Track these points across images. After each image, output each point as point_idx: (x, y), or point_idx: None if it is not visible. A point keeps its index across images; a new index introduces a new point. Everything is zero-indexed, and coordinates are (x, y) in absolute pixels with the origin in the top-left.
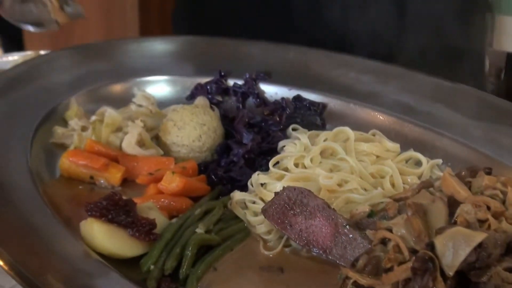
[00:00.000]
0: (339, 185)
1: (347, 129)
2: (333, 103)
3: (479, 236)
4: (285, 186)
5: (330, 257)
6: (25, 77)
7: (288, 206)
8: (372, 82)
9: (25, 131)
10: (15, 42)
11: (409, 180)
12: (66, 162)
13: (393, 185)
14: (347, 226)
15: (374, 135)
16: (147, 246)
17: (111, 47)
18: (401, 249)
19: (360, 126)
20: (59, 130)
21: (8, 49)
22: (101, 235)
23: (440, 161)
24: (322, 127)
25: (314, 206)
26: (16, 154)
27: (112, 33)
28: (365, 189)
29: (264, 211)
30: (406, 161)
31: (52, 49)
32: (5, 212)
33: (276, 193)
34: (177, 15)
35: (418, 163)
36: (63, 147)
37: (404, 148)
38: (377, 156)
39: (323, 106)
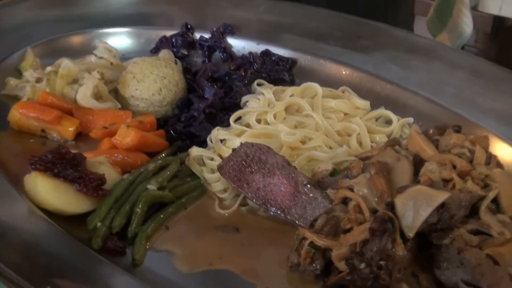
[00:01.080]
0: (303, 142)
1: (315, 85)
2: (303, 58)
3: (442, 196)
4: (243, 142)
5: (289, 217)
6: None
7: (245, 163)
8: (345, 37)
9: None
10: None
11: (377, 139)
12: (16, 114)
13: (360, 143)
14: (308, 185)
15: (344, 92)
16: (95, 202)
17: None
18: (362, 209)
19: (330, 82)
20: (12, 81)
21: None
22: (45, 190)
23: (411, 119)
24: (291, 83)
25: (273, 164)
26: None
27: None
28: (330, 147)
29: (219, 168)
30: (376, 119)
31: None
32: None
33: (234, 150)
34: None
35: (389, 122)
36: (16, 99)
37: (375, 106)
38: (345, 114)
39: (293, 61)
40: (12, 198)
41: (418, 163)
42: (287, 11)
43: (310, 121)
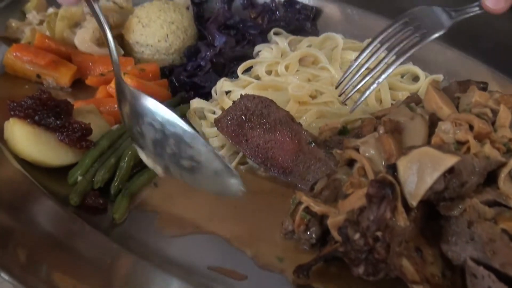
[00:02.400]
0: (313, 96)
1: (335, 36)
2: (329, 7)
3: (450, 160)
4: (244, 94)
5: (289, 179)
6: None
7: (245, 117)
8: None
9: None
10: None
11: (400, 96)
12: (11, 58)
13: (380, 101)
14: (312, 144)
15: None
16: (79, 154)
17: None
18: (367, 172)
19: (357, 35)
20: (13, 23)
21: None
22: (24, 138)
23: (440, 76)
24: (314, 34)
25: (275, 119)
26: None
27: None
28: (345, 104)
29: (216, 122)
30: (402, 76)
31: None
32: None
33: (234, 102)
34: None
35: (416, 78)
36: (17, 42)
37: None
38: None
39: (317, 10)
40: None
41: (434, 122)
42: None
43: (325, 74)
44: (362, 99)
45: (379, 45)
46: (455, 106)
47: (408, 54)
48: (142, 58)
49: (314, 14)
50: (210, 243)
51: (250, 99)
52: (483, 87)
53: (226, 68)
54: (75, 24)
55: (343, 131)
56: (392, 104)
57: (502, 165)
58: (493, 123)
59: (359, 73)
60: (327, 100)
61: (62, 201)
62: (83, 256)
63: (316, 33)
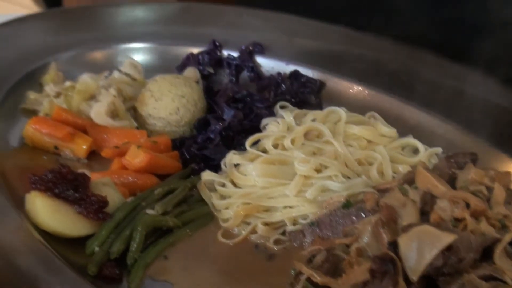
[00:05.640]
0: (318, 170)
1: (339, 110)
2: (332, 81)
3: (448, 238)
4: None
5: None
6: (5, 38)
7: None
8: (378, 60)
9: None
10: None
11: (401, 169)
12: (30, 130)
13: (382, 174)
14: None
15: (370, 117)
16: (96, 226)
17: (100, 11)
18: (364, 255)
19: (358, 107)
20: (32, 95)
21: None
22: (44, 210)
23: (439, 149)
24: (317, 106)
25: None
26: None
27: None
28: (348, 177)
29: None
30: (403, 148)
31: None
32: None
33: None
34: None
35: (416, 151)
36: (35, 114)
37: (403, 133)
38: (369, 141)
39: (321, 83)
40: (10, 217)
41: (427, 201)
42: (318, 30)
43: (329, 148)
44: None
45: None
46: (447, 182)
47: None
48: (154, 130)
49: (318, 87)
50: None
51: None
52: (473, 158)
53: (235, 140)
54: (91, 97)
55: (347, 205)
56: (393, 177)
57: (497, 241)
58: (488, 200)
59: None
60: (331, 174)
61: (80, 270)
62: None
63: (320, 105)
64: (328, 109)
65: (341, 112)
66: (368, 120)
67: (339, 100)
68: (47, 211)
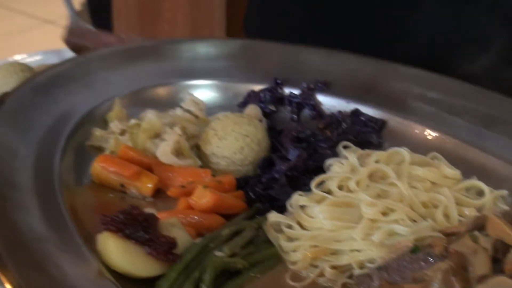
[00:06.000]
0: (384, 213)
1: (402, 151)
2: (393, 120)
3: None
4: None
5: None
6: (70, 74)
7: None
8: (440, 100)
9: (63, 130)
10: (105, 24)
11: (467, 212)
12: (98, 168)
13: (447, 216)
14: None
15: (433, 159)
16: (165, 267)
17: (162, 47)
18: None
19: (420, 148)
20: (97, 132)
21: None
22: (116, 251)
23: (505, 192)
24: (379, 146)
25: None
26: (48, 154)
27: (198, 31)
28: (414, 220)
29: None
30: (467, 191)
31: (139, 35)
32: (17, 220)
33: None
34: (249, 20)
35: (481, 193)
36: (100, 150)
37: (466, 175)
38: (433, 183)
39: (382, 123)
40: (82, 256)
41: (499, 248)
42: (379, 69)
43: (394, 190)
44: None
45: None
46: None
47: None
48: (218, 168)
49: (380, 126)
50: None
51: None
52: None
53: (300, 180)
54: (156, 135)
55: (415, 249)
56: (459, 220)
57: None
58: None
59: None
60: (397, 218)
61: None
62: None
63: (381, 145)
64: (391, 150)
65: (405, 153)
66: (432, 162)
67: (401, 140)
68: (119, 252)
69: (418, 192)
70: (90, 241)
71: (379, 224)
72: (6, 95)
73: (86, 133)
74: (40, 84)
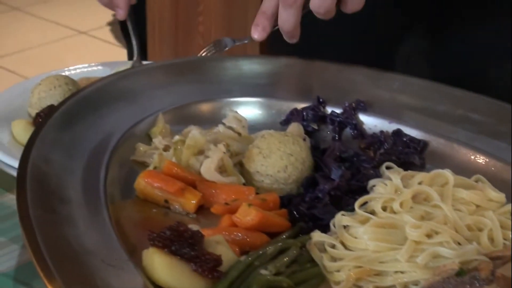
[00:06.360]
0: (428, 235)
1: (446, 173)
2: (436, 142)
3: None
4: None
5: None
6: (113, 89)
7: None
8: (483, 122)
9: (107, 145)
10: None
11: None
12: (142, 183)
13: (492, 240)
14: None
15: (477, 181)
16: (210, 284)
17: (206, 63)
18: None
19: (463, 170)
20: (141, 147)
21: (132, 57)
22: (162, 267)
23: None
24: (421, 167)
25: None
26: (94, 169)
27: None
28: (459, 243)
29: None
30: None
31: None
32: (65, 233)
33: None
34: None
35: None
36: (144, 166)
37: (510, 198)
38: (477, 206)
39: (424, 144)
40: (128, 271)
41: None
42: (422, 89)
43: (438, 212)
44: None
45: None
46: None
47: None
48: (261, 186)
49: (422, 147)
50: None
51: None
52: None
53: (343, 200)
54: (199, 152)
55: (461, 273)
56: (504, 243)
57: None
58: None
59: None
60: (442, 240)
61: None
62: None
63: (423, 166)
64: (434, 172)
65: (449, 175)
66: (476, 184)
67: (443, 161)
68: (165, 268)
69: (462, 215)
70: (134, 256)
71: (423, 246)
72: (52, 107)
73: (130, 148)
74: (85, 98)
